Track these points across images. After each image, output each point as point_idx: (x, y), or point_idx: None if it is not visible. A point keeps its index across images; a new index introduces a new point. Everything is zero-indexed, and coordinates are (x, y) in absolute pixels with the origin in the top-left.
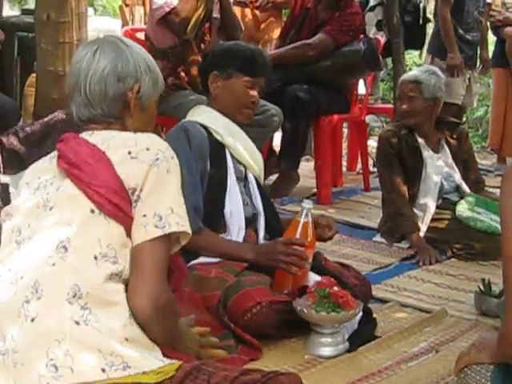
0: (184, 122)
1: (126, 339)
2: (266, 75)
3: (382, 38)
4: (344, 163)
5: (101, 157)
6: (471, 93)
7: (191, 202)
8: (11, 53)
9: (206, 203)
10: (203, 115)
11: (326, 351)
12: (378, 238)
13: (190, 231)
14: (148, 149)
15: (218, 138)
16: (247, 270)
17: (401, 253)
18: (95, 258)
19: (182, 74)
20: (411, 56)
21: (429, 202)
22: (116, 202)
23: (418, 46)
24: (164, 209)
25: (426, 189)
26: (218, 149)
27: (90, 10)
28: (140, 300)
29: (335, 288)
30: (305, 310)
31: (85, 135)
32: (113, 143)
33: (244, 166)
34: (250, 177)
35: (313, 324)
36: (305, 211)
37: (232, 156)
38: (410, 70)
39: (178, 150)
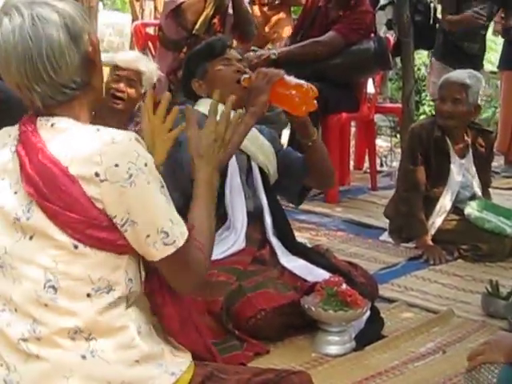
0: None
1: (137, 361)
2: (226, 46)
3: (392, 37)
4: (351, 162)
5: (70, 183)
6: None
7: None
8: None
9: None
10: (206, 105)
11: (333, 349)
12: (384, 237)
13: (187, 233)
14: (117, 165)
15: None
16: (250, 266)
17: (408, 252)
18: (88, 295)
19: None
20: (420, 56)
21: (442, 208)
22: (98, 236)
23: (428, 46)
24: (165, 222)
25: (445, 195)
26: None
27: (99, 5)
28: (184, 290)
29: (343, 286)
30: (312, 307)
31: (44, 131)
32: (76, 155)
33: (247, 156)
34: (254, 168)
35: (320, 322)
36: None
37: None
38: (419, 70)
39: None
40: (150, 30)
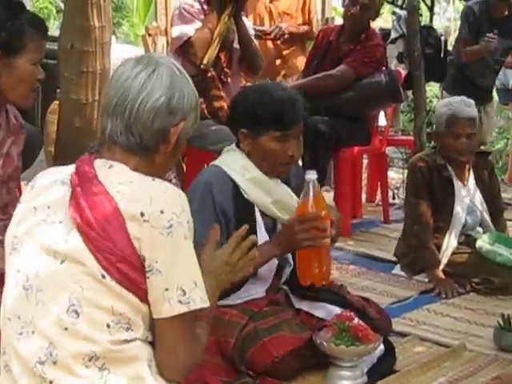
0: (211, 171)
1: None
2: (300, 121)
3: (403, 71)
4: (363, 195)
5: (115, 215)
6: (482, 128)
7: None
8: None
9: None
10: (233, 162)
11: None
12: (397, 270)
13: (209, 304)
14: (162, 212)
15: (245, 196)
16: (265, 307)
17: (420, 286)
18: (108, 326)
19: (203, 105)
20: (432, 88)
21: (452, 237)
22: (127, 273)
23: (439, 78)
24: (188, 282)
25: (453, 224)
26: (245, 205)
27: (112, 38)
28: (170, 373)
29: (355, 321)
30: (324, 343)
31: (102, 170)
32: (128, 193)
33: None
34: (278, 227)
35: (332, 357)
36: (311, 184)
37: (261, 212)
38: (431, 102)
39: (199, 209)
40: None
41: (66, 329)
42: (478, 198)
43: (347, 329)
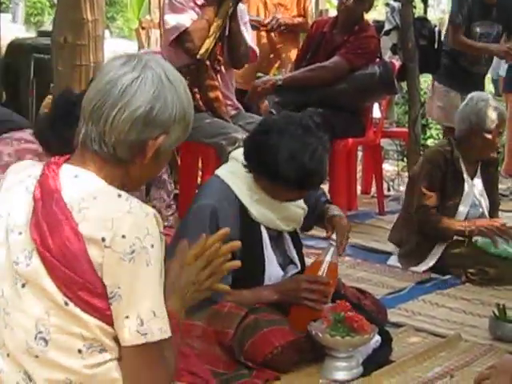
0: (217, 190)
1: None
2: (315, 188)
3: (397, 62)
4: (358, 187)
5: (75, 240)
6: None
7: None
8: (27, 74)
9: (244, 276)
10: (241, 185)
11: (341, 375)
12: (392, 261)
13: (170, 335)
14: (124, 236)
15: (252, 217)
16: (263, 306)
17: (415, 277)
18: (79, 351)
19: (197, 95)
20: (426, 79)
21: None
22: (89, 301)
23: (433, 70)
24: (145, 311)
25: (456, 217)
26: (251, 225)
27: (106, 33)
28: None
29: (350, 312)
30: (320, 333)
31: (66, 180)
32: (90, 214)
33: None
34: (285, 234)
35: (328, 348)
36: (332, 249)
37: (268, 229)
38: (425, 93)
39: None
40: None
41: (36, 356)
42: (483, 193)
43: (342, 319)
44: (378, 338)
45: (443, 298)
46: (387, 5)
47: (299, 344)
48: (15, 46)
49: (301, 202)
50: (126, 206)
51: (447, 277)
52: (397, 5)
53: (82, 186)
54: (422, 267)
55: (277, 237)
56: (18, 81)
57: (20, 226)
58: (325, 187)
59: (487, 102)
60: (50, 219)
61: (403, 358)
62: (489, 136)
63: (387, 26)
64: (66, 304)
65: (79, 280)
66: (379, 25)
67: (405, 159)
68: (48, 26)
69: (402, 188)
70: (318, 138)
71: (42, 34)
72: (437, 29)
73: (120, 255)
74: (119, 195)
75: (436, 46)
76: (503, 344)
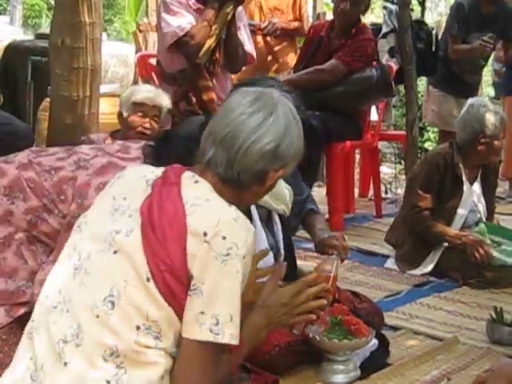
0: None
1: None
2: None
3: (395, 65)
4: (356, 189)
5: (180, 226)
6: None
7: None
8: (25, 77)
9: None
10: None
11: (338, 378)
12: (389, 264)
13: (237, 343)
14: (224, 238)
15: None
16: None
17: (413, 280)
18: (137, 328)
19: (193, 99)
20: (423, 82)
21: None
22: (171, 285)
23: (431, 73)
24: (224, 314)
25: (455, 222)
26: None
27: (104, 35)
28: None
29: (347, 315)
30: (317, 336)
31: (186, 182)
32: (200, 210)
33: (268, 209)
34: (275, 217)
35: (325, 351)
36: (336, 263)
37: (256, 205)
38: (423, 96)
39: None
40: (154, 61)
41: (97, 316)
42: (481, 198)
43: (340, 322)
44: (375, 341)
45: (440, 300)
46: (384, 8)
47: (297, 345)
48: (13, 49)
49: (286, 184)
50: (233, 214)
51: (444, 280)
52: (394, 8)
53: (199, 189)
54: (419, 271)
55: (267, 218)
56: (15, 83)
57: (133, 209)
58: (322, 190)
59: (488, 107)
60: (162, 203)
61: (401, 360)
62: (491, 141)
63: (384, 29)
64: (148, 280)
65: (169, 262)
66: (376, 28)
67: (402, 162)
68: (46, 29)
69: (400, 191)
70: None
71: (39, 36)
72: (434, 32)
73: (215, 254)
74: (230, 205)
75: (433, 49)
76: (500, 347)
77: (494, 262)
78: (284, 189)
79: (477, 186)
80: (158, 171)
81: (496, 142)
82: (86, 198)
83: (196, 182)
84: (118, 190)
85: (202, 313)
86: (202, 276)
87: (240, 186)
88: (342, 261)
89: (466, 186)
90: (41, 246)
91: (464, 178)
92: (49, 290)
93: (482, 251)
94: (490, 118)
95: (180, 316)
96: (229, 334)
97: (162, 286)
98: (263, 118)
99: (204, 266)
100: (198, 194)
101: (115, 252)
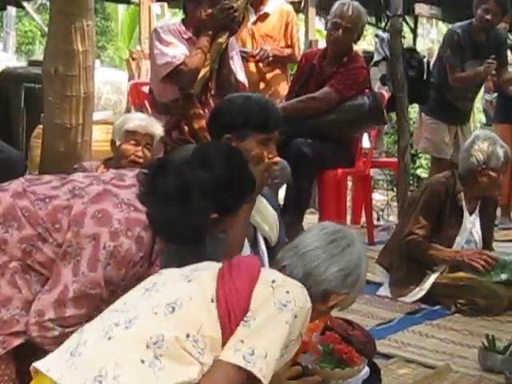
0: None
1: None
2: (279, 128)
3: (387, 93)
4: (348, 216)
5: (253, 272)
6: (460, 148)
7: None
8: (17, 103)
9: None
10: None
11: None
12: (382, 291)
13: (265, 383)
14: (288, 292)
15: None
16: None
17: (405, 307)
18: (187, 336)
19: (185, 128)
20: (415, 109)
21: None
22: (230, 311)
23: (422, 101)
24: (260, 349)
25: (453, 248)
26: None
27: (97, 62)
28: None
29: (339, 344)
30: (309, 365)
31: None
32: (271, 274)
33: (254, 227)
34: (259, 238)
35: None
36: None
37: None
38: (414, 123)
39: None
40: (146, 89)
41: (155, 313)
42: (479, 229)
43: (332, 351)
44: (367, 369)
45: (433, 328)
46: (376, 36)
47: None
48: (6, 75)
49: (274, 213)
50: (300, 284)
51: (437, 307)
52: (386, 36)
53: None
54: (412, 298)
55: (252, 237)
56: (8, 110)
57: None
58: (314, 217)
59: (494, 140)
60: (236, 264)
61: None
62: (494, 175)
63: (376, 57)
64: (212, 301)
65: (235, 291)
66: (368, 55)
67: (394, 189)
68: (39, 55)
69: (392, 218)
70: None
71: (32, 63)
72: (425, 60)
73: (275, 300)
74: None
75: (425, 76)
76: (493, 375)
77: (488, 279)
78: (273, 215)
79: (475, 218)
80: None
81: (498, 176)
82: (82, 226)
83: (273, 282)
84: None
85: (242, 341)
86: (256, 312)
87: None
88: None
89: (465, 216)
90: (35, 275)
91: (464, 208)
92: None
93: (484, 258)
94: (494, 151)
95: (224, 343)
96: (259, 367)
97: (221, 310)
98: (342, 248)
99: (261, 305)
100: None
101: (189, 281)
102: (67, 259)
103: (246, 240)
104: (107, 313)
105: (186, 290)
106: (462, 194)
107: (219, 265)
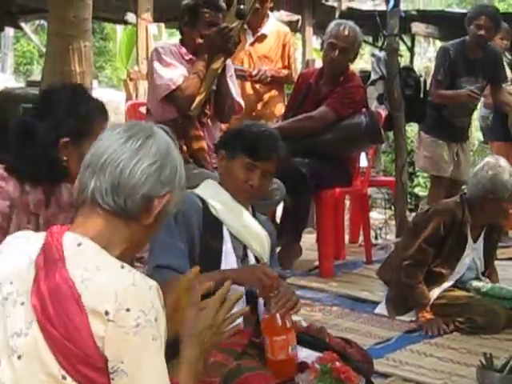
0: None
1: None
2: (271, 159)
3: (384, 112)
4: (346, 236)
5: (78, 311)
6: (460, 165)
7: (174, 264)
8: None
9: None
10: (206, 189)
11: None
12: (379, 309)
13: None
14: (128, 310)
15: (214, 212)
16: (249, 350)
17: (403, 326)
18: None
19: (184, 147)
20: (413, 128)
21: (443, 287)
22: (88, 375)
23: (419, 119)
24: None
25: (451, 278)
26: (213, 223)
27: (95, 82)
28: None
29: (337, 363)
30: None
31: (70, 249)
32: (92, 285)
33: (244, 246)
34: (250, 256)
35: None
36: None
37: (231, 233)
38: (412, 142)
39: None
40: (144, 110)
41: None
42: (482, 257)
43: (329, 371)
44: None
45: (431, 347)
46: (373, 55)
47: None
48: (4, 96)
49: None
50: (129, 278)
51: None
52: (382, 55)
53: (85, 256)
54: (409, 317)
55: (243, 256)
56: (6, 131)
57: (22, 294)
58: (312, 236)
59: (503, 168)
60: (52, 289)
61: None
62: (500, 203)
63: (373, 76)
64: (64, 378)
65: (79, 353)
66: (365, 75)
67: (392, 207)
68: (37, 76)
69: (390, 236)
70: None
71: (30, 83)
72: (422, 78)
73: (124, 329)
74: (122, 266)
75: (422, 95)
76: None
77: (487, 292)
78: (263, 232)
79: (479, 245)
80: (38, 240)
81: (505, 204)
82: None
83: (79, 244)
84: (1, 271)
85: None
86: (118, 355)
87: (129, 216)
88: None
89: (469, 243)
90: None
91: (469, 236)
92: None
93: (436, 330)
94: (503, 180)
95: None
96: None
97: (80, 380)
98: (142, 140)
99: (117, 345)
100: (85, 264)
101: (19, 357)
102: None
103: (235, 256)
104: None
105: (27, 378)
106: (469, 222)
107: (28, 294)
